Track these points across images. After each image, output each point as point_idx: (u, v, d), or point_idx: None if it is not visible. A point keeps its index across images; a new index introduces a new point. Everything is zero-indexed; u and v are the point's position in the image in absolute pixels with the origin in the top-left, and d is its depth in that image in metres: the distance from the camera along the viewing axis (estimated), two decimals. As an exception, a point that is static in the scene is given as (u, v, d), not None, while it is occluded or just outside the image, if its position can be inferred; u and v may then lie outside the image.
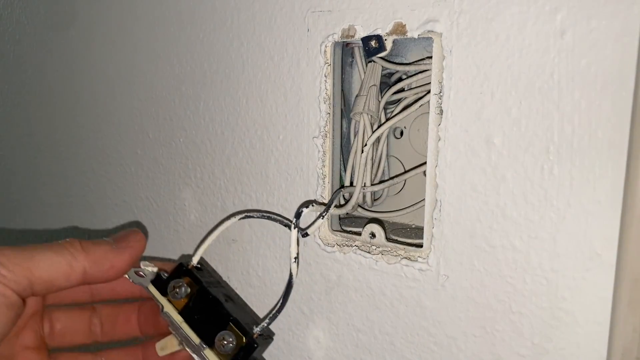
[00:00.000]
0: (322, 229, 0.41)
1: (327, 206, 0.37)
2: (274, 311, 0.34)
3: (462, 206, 0.35)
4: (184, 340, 0.34)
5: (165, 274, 0.35)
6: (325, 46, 0.39)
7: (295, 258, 0.35)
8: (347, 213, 0.44)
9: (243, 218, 0.37)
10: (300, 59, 0.40)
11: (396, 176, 0.44)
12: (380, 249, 0.39)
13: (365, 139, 0.42)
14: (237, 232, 0.47)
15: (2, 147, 0.71)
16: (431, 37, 0.34)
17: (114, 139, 0.56)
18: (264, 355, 0.39)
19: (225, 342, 0.33)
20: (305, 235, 0.36)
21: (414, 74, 0.42)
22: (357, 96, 0.43)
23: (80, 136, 0.60)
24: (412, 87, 0.43)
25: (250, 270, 0.46)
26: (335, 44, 0.39)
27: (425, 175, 0.36)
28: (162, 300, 0.35)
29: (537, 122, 0.31)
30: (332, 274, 0.41)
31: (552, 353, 0.33)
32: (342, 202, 0.43)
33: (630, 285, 0.30)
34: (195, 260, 0.36)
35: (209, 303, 0.34)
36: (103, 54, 0.55)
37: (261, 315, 0.46)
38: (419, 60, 0.42)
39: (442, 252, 0.36)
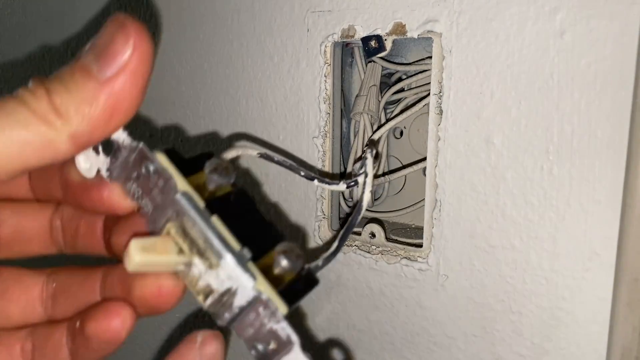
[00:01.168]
0: (322, 228, 0.41)
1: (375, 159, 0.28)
2: (329, 252, 0.25)
3: (462, 206, 0.35)
4: (199, 249, 0.20)
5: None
6: (325, 46, 0.39)
7: (371, 189, 0.25)
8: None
9: (262, 155, 0.26)
10: (300, 59, 0.40)
11: (395, 170, 0.44)
12: (380, 249, 0.39)
13: (366, 138, 0.42)
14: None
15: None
16: (431, 37, 0.34)
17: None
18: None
19: (280, 261, 0.21)
20: (365, 174, 0.26)
21: (414, 74, 0.42)
22: (357, 96, 0.43)
23: (80, 136, 0.60)
24: (412, 87, 0.43)
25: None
26: (335, 44, 0.39)
27: (424, 174, 0.36)
28: (179, 177, 0.20)
29: (537, 122, 0.31)
30: (332, 274, 0.41)
31: (552, 353, 0.33)
32: (349, 198, 0.43)
33: (629, 285, 0.30)
34: (229, 156, 0.25)
35: (252, 214, 0.22)
36: (103, 54, 0.55)
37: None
38: (418, 60, 0.42)
39: (442, 252, 0.36)
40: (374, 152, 0.26)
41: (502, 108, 0.32)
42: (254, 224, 0.22)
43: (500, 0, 0.32)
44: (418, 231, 0.42)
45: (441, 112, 0.35)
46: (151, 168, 0.20)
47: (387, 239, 0.39)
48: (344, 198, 0.44)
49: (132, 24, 0.19)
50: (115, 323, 0.21)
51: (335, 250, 0.24)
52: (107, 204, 0.21)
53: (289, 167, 0.26)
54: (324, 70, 0.39)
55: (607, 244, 0.30)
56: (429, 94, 0.36)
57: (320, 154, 0.40)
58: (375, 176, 0.40)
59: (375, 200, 0.46)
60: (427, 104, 0.37)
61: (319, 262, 0.24)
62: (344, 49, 0.42)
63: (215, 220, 0.20)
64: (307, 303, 0.43)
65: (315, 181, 0.26)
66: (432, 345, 0.37)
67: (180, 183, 0.20)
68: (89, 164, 0.21)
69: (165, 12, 0.49)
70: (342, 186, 0.26)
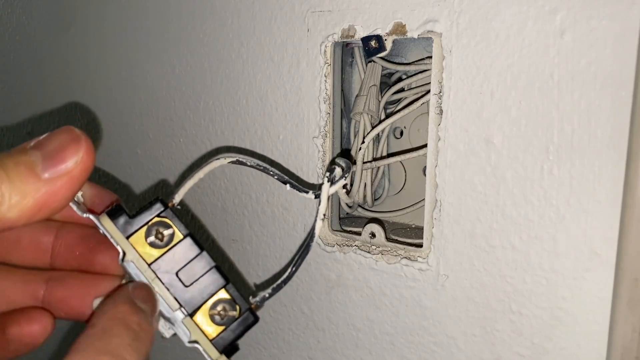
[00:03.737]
0: (322, 228, 0.41)
1: (348, 168, 0.29)
2: (280, 280, 0.26)
3: (462, 206, 0.35)
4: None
5: (122, 207, 0.25)
6: (325, 46, 0.39)
7: (324, 215, 0.27)
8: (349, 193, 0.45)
9: (234, 162, 0.27)
10: (300, 59, 0.40)
11: (395, 154, 0.43)
12: (380, 249, 0.39)
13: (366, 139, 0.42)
14: (237, 232, 0.47)
15: (2, 147, 0.71)
16: (431, 37, 0.34)
17: (114, 139, 0.56)
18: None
19: (217, 311, 0.25)
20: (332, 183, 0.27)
21: (414, 74, 0.42)
22: (357, 96, 0.43)
23: (80, 136, 0.60)
24: (412, 87, 0.43)
25: (251, 270, 0.46)
26: (335, 44, 0.39)
27: (424, 173, 0.36)
28: (124, 243, 0.24)
29: (537, 122, 0.31)
30: (332, 274, 0.41)
31: (552, 353, 0.33)
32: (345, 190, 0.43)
33: (629, 284, 0.30)
34: (177, 199, 0.26)
35: (196, 259, 0.25)
36: (103, 54, 0.55)
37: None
38: (418, 60, 0.42)
39: (442, 252, 0.36)
40: (331, 175, 0.27)
41: (502, 108, 0.32)
42: (199, 271, 0.25)
43: (500, 0, 0.32)
44: (418, 231, 0.42)
45: (441, 112, 0.35)
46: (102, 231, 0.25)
47: (387, 239, 0.39)
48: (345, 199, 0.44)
49: (85, 141, 0.22)
50: (36, 328, 0.24)
51: (287, 279, 0.26)
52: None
53: (263, 170, 0.27)
54: (324, 70, 0.39)
55: (607, 244, 0.30)
56: (429, 93, 0.36)
57: (320, 154, 0.40)
58: (346, 186, 0.38)
59: (375, 200, 0.46)
60: (427, 103, 0.37)
61: (268, 291, 0.26)
62: (344, 49, 0.42)
63: (158, 284, 0.24)
64: (307, 303, 0.43)
65: (287, 186, 0.27)
66: (432, 345, 0.37)
67: (125, 248, 0.24)
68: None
69: (165, 11, 0.49)
70: (310, 195, 0.27)
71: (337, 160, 0.28)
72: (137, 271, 0.25)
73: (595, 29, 0.29)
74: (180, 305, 0.25)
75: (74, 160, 0.21)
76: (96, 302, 0.25)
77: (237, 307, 0.25)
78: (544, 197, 0.32)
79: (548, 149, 0.31)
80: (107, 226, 0.24)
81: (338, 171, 0.27)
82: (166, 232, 0.25)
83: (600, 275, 0.31)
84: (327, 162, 0.41)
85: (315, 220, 0.26)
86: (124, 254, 0.25)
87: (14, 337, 0.24)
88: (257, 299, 0.26)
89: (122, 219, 0.25)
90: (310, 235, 0.26)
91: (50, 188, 0.21)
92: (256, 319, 0.26)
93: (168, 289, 0.25)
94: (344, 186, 0.30)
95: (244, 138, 0.45)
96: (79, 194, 0.25)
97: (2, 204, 0.20)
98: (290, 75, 0.41)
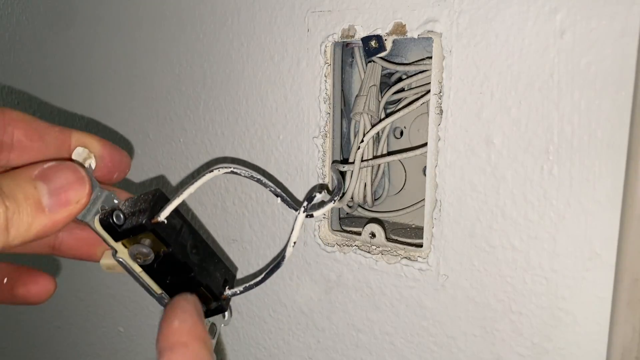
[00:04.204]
0: (322, 228, 0.41)
1: (338, 189, 0.33)
2: (251, 283, 0.30)
3: (462, 206, 0.35)
4: (142, 287, 0.29)
5: (121, 215, 0.28)
6: (325, 46, 0.39)
7: (294, 243, 0.30)
8: (348, 207, 0.45)
9: (229, 172, 0.30)
10: (300, 59, 0.40)
11: (395, 152, 0.43)
12: (380, 249, 0.39)
13: (366, 139, 0.42)
14: (237, 232, 0.47)
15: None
16: (431, 37, 0.34)
17: (114, 139, 0.56)
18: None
19: None
20: (310, 216, 0.30)
21: (414, 74, 0.42)
22: (357, 96, 0.43)
23: (80, 136, 0.60)
24: (412, 87, 0.43)
25: (251, 270, 0.46)
26: (335, 44, 0.39)
27: (424, 173, 0.36)
28: (114, 244, 0.28)
29: (537, 122, 0.31)
30: (332, 274, 0.41)
31: (552, 353, 0.33)
32: (349, 199, 0.43)
33: (629, 285, 0.30)
34: (163, 216, 0.28)
35: (176, 267, 0.29)
36: (103, 54, 0.55)
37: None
38: (419, 60, 0.42)
39: (442, 252, 0.36)
40: (309, 205, 0.29)
41: (502, 108, 0.32)
42: (179, 276, 0.29)
43: (500, 0, 0.32)
44: (418, 231, 0.42)
45: (441, 112, 0.35)
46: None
47: (387, 239, 0.39)
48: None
49: (88, 183, 0.25)
50: (39, 290, 0.30)
51: (260, 281, 0.30)
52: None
53: (257, 181, 0.30)
54: (324, 70, 0.39)
55: (607, 244, 0.30)
56: (429, 93, 0.36)
57: (320, 154, 0.40)
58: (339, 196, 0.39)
59: (375, 200, 0.46)
60: (427, 103, 0.37)
61: (239, 288, 0.30)
62: (344, 49, 0.42)
63: (145, 276, 0.29)
64: (307, 303, 0.43)
65: (278, 199, 0.30)
66: (432, 345, 0.37)
67: (117, 248, 0.28)
68: None
69: (165, 11, 0.49)
70: (301, 214, 0.29)
71: (319, 190, 0.31)
72: (128, 266, 0.28)
73: (595, 29, 0.29)
74: (164, 291, 0.29)
75: (76, 201, 0.25)
76: (100, 251, 0.29)
77: (211, 301, 0.30)
78: (544, 197, 0.32)
79: (548, 149, 0.31)
80: (98, 230, 0.28)
81: (321, 196, 0.30)
82: (146, 251, 0.28)
83: (600, 275, 0.31)
84: (327, 162, 0.41)
85: (286, 246, 0.30)
86: (116, 251, 0.28)
87: (20, 295, 0.29)
88: (229, 292, 0.30)
89: (112, 227, 0.28)
90: (281, 256, 0.30)
91: (51, 221, 0.24)
92: (224, 310, 0.30)
93: (153, 279, 0.29)
94: (343, 195, 0.31)
95: (244, 138, 0.45)
96: (91, 161, 0.28)
97: (9, 234, 0.23)
98: (290, 75, 0.41)
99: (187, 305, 0.25)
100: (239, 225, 0.46)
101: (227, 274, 0.31)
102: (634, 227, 0.29)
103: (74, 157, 0.28)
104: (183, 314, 0.25)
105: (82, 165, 0.27)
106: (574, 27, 0.30)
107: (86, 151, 0.28)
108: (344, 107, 0.44)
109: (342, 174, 0.43)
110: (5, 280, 0.29)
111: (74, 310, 0.63)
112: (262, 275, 0.30)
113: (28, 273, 0.30)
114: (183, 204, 0.48)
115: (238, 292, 0.30)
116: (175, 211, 0.29)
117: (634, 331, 0.30)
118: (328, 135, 0.40)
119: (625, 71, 0.28)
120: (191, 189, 0.29)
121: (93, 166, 0.28)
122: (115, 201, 0.29)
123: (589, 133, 0.30)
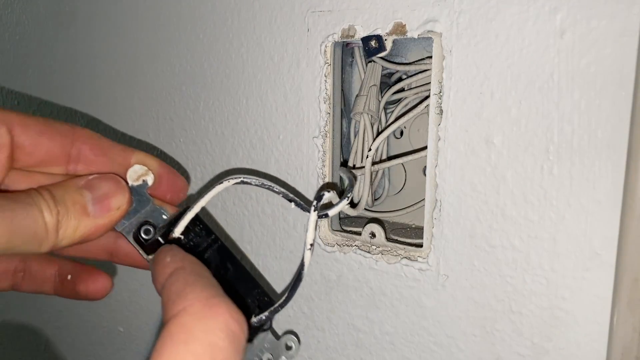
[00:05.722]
0: (322, 228, 0.41)
1: (349, 188, 0.32)
2: (276, 305, 0.29)
3: (462, 206, 0.35)
4: None
5: (150, 229, 0.30)
6: (325, 46, 0.39)
7: (311, 245, 0.29)
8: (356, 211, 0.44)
9: (239, 183, 0.29)
10: (300, 59, 0.40)
11: (395, 157, 0.43)
12: (380, 249, 0.39)
13: (366, 138, 0.42)
14: (237, 232, 0.47)
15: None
16: (431, 37, 0.34)
17: (114, 139, 0.56)
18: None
19: None
20: (325, 216, 0.29)
21: (414, 74, 0.42)
22: (357, 96, 0.43)
23: (80, 136, 0.60)
24: (412, 87, 0.43)
25: (250, 270, 0.46)
26: (335, 44, 0.39)
27: (424, 173, 0.36)
28: (147, 257, 0.30)
29: (537, 122, 0.31)
30: (332, 274, 0.41)
31: (552, 353, 0.33)
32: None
33: (629, 285, 0.30)
34: (177, 232, 0.29)
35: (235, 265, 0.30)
36: (103, 54, 0.55)
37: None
38: (419, 60, 0.42)
39: (442, 252, 0.36)
40: (318, 204, 0.28)
41: (502, 108, 0.32)
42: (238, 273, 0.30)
43: (500, 0, 0.32)
44: (418, 231, 0.42)
45: (441, 112, 0.35)
46: None
47: (387, 239, 0.39)
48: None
49: (128, 192, 0.28)
50: (97, 287, 0.32)
51: (284, 302, 0.29)
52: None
53: (268, 188, 0.29)
54: (324, 70, 0.39)
55: (607, 244, 0.30)
56: (429, 94, 0.36)
57: (320, 154, 0.40)
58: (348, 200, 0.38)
59: (375, 200, 0.46)
60: (427, 103, 0.37)
61: (265, 314, 0.29)
62: (344, 48, 0.42)
63: None
64: (307, 303, 0.43)
65: (292, 204, 0.29)
66: (432, 345, 0.37)
67: (148, 260, 0.29)
68: None
69: (165, 11, 0.49)
70: (313, 213, 0.28)
71: (327, 189, 0.30)
72: None
73: (595, 29, 0.29)
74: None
75: (117, 207, 0.28)
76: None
77: None
78: (544, 197, 0.32)
79: (548, 149, 0.31)
80: (132, 243, 0.30)
81: (329, 195, 0.29)
82: None
83: (600, 275, 0.31)
84: (327, 162, 0.41)
85: (304, 251, 0.29)
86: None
87: (80, 291, 0.32)
88: (255, 319, 0.29)
89: (140, 241, 0.30)
90: (301, 265, 0.29)
91: (95, 225, 0.27)
92: (249, 338, 0.28)
93: None
94: (350, 201, 0.32)
95: (244, 138, 0.45)
96: (147, 178, 0.30)
97: (59, 234, 0.25)
98: (290, 75, 0.41)
99: (174, 248, 0.28)
100: (239, 225, 0.46)
101: (260, 301, 0.30)
102: (634, 227, 0.29)
103: (130, 172, 0.30)
104: (171, 251, 0.27)
105: (124, 179, 0.29)
106: (574, 27, 0.30)
107: (144, 168, 0.30)
108: (344, 107, 0.44)
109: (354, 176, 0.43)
110: (69, 277, 0.32)
111: (74, 310, 0.63)
112: (287, 294, 0.29)
113: (89, 272, 0.33)
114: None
115: (264, 317, 0.29)
116: (206, 231, 0.30)
117: (634, 331, 0.30)
118: (328, 135, 0.40)
119: (625, 71, 0.29)
120: (202, 202, 0.29)
121: (149, 183, 0.30)
122: (164, 217, 0.30)
123: (589, 133, 0.30)
